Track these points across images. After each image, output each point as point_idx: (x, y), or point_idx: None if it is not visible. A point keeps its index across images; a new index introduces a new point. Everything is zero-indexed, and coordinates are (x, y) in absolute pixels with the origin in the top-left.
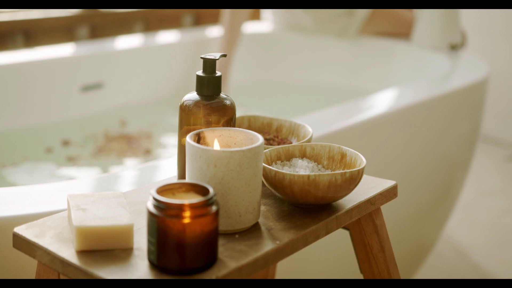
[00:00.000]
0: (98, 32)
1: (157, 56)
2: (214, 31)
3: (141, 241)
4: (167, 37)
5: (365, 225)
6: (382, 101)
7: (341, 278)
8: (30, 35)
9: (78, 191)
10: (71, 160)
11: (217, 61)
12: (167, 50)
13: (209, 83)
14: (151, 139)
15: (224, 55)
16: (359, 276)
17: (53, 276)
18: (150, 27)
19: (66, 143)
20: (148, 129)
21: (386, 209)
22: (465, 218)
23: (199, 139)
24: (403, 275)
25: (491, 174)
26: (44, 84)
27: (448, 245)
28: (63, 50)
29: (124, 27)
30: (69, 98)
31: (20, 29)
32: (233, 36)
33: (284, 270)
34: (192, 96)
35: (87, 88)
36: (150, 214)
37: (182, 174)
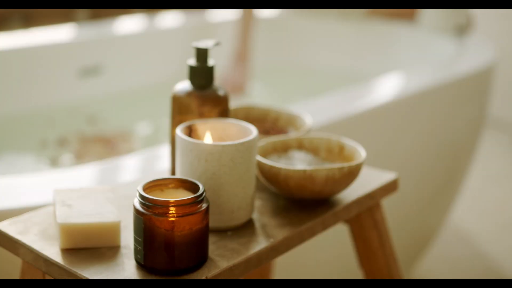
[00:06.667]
0: (99, 13)
1: (159, 40)
2: (219, 15)
3: (129, 238)
4: (169, 20)
5: (365, 220)
6: (385, 88)
7: (340, 273)
8: (29, 17)
9: (67, 183)
10: (63, 146)
11: (235, 47)
12: (169, 34)
13: (202, 73)
14: (147, 129)
15: (218, 43)
16: (359, 271)
17: (37, 275)
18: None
19: (59, 130)
20: (145, 118)
21: (389, 198)
22: (471, 205)
23: (190, 131)
24: (407, 265)
25: (498, 160)
26: (40, 69)
27: (454, 233)
28: (60, 33)
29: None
30: (65, 84)
31: (18, 11)
32: (249, 19)
33: (281, 265)
34: (184, 86)
35: (85, 73)
36: (137, 212)
37: (174, 169)
